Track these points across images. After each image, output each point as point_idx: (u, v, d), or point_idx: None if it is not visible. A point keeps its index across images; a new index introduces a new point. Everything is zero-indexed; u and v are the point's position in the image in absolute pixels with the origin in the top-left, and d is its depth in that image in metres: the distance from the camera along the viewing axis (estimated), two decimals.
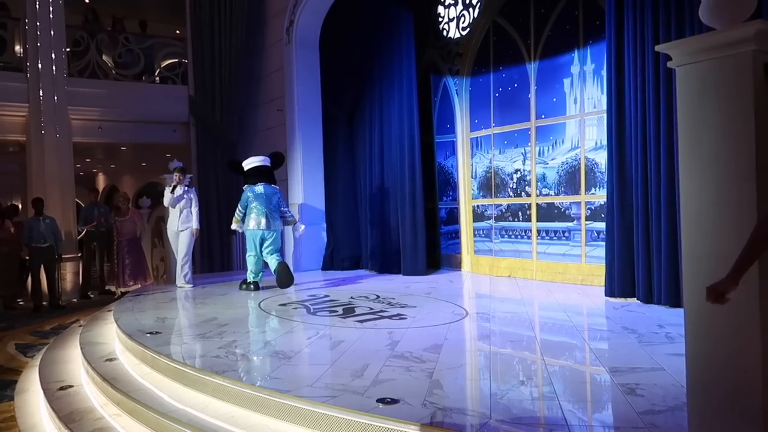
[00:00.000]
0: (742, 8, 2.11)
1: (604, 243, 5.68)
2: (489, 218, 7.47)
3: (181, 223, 7.15)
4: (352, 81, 8.37)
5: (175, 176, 7.14)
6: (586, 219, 6.29)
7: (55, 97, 9.18)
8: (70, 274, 9.35)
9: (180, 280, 7.18)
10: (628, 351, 3.59)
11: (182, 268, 7.18)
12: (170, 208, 7.17)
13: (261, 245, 6.51)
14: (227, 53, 9.58)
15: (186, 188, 7.18)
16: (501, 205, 7.31)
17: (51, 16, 9.16)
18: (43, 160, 9.10)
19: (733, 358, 2.12)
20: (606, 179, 5.62)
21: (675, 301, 4.72)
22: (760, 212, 2.04)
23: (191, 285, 7.12)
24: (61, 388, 4.16)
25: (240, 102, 9.67)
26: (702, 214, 2.21)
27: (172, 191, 7.05)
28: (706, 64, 2.17)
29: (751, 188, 2.06)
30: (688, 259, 2.27)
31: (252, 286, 6.62)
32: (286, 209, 6.82)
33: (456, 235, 7.96)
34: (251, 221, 6.49)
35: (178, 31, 11.47)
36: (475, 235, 7.67)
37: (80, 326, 6.03)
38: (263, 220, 6.46)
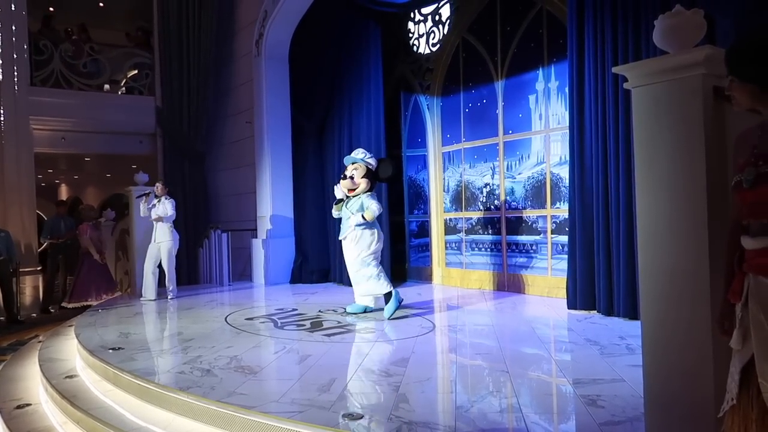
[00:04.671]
0: (692, 33, 2.21)
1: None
2: (459, 231, 7.55)
3: (161, 235, 7.11)
4: (321, 93, 8.38)
5: (158, 187, 7.17)
6: (552, 232, 6.42)
7: (16, 107, 8.96)
8: (29, 287, 9.09)
9: (152, 294, 7.07)
10: (590, 363, 3.67)
11: (170, 281, 7.15)
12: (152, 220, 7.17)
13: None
14: (195, 64, 9.50)
15: (153, 202, 7.21)
16: (471, 218, 7.39)
17: (13, 23, 8.97)
18: (3, 171, 8.85)
19: (688, 371, 2.19)
20: (568, 195, 5.75)
21: (635, 313, 4.83)
22: (711, 228, 2.13)
23: (153, 298, 7.01)
24: (19, 407, 4.03)
25: (208, 113, 9.58)
26: (657, 229, 2.29)
27: (147, 202, 7.15)
28: (660, 86, 2.26)
29: (702, 205, 2.15)
30: (644, 274, 2.34)
31: None
32: None
33: (426, 247, 8.00)
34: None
35: None
36: (446, 248, 7.73)
37: (39, 342, 5.85)
38: None
